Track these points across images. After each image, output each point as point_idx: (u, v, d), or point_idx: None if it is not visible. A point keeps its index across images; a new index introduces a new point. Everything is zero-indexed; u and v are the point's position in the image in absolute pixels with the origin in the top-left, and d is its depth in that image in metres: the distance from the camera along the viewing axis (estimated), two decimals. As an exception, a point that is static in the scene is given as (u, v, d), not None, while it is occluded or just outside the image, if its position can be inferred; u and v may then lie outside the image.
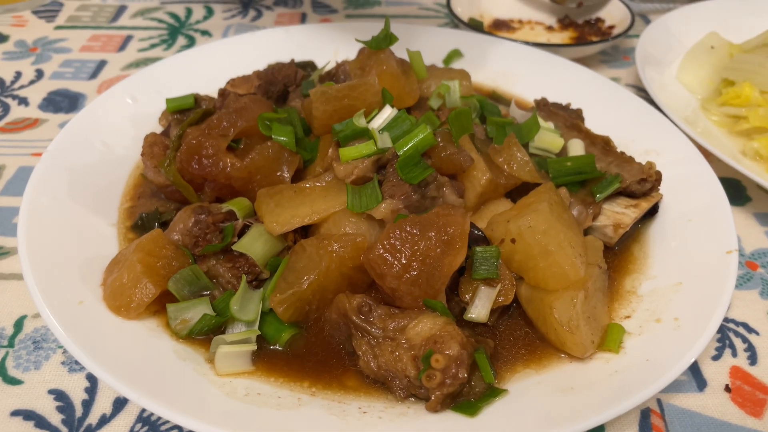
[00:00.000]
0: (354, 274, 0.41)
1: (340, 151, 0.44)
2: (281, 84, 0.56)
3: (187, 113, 0.53)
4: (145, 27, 0.75)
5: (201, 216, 0.44)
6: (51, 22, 0.76)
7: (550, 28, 0.76)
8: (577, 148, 0.50)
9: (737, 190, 0.55)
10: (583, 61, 0.71)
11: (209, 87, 0.59)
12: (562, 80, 0.62)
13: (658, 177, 0.47)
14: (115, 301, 0.40)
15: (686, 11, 0.75)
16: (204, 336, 0.40)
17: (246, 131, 0.46)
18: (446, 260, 0.38)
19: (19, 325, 0.42)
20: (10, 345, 0.40)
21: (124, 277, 0.40)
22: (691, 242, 0.45)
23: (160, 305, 0.41)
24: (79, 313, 0.38)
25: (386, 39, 0.50)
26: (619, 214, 0.46)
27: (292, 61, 0.59)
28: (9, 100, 0.62)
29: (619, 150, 0.51)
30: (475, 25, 0.72)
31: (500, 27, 0.76)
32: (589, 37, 0.73)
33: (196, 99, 0.54)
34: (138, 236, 0.46)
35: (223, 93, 0.53)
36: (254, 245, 0.42)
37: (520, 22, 0.77)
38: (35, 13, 0.77)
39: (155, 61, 0.68)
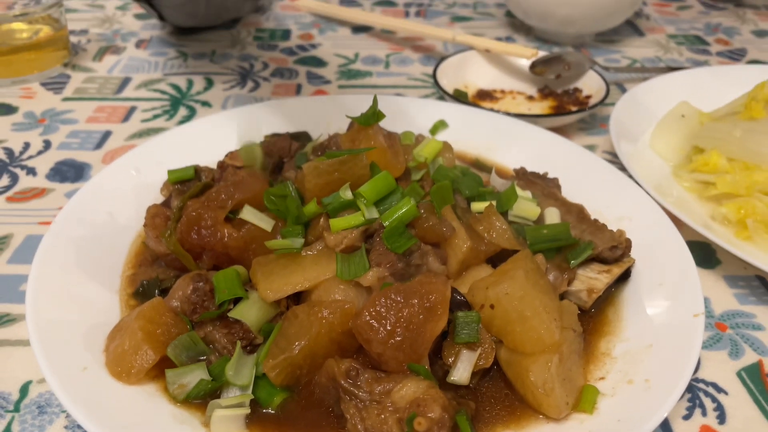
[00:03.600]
0: (343, 339, 0.43)
1: (331, 222, 0.47)
2: (276, 156, 0.59)
3: (188, 183, 0.57)
4: (149, 98, 0.79)
5: (199, 284, 0.46)
6: (59, 94, 0.79)
7: (530, 98, 0.80)
8: (553, 216, 0.53)
9: (707, 253, 0.58)
10: (562, 129, 0.75)
11: (209, 158, 0.62)
12: (540, 149, 0.65)
13: (628, 244, 0.50)
14: (117, 367, 0.42)
15: (659, 81, 0.80)
16: (200, 400, 0.42)
17: (242, 203, 0.49)
18: (428, 326, 0.41)
19: (24, 390, 0.44)
20: (16, 410, 0.42)
21: (126, 344, 0.42)
22: (662, 306, 0.47)
23: (159, 370, 0.43)
24: (83, 379, 0.40)
25: (374, 116, 0.54)
26: (592, 279, 0.48)
27: (287, 134, 0.63)
28: (18, 170, 0.65)
29: (593, 217, 0.54)
30: (459, 96, 0.76)
31: (484, 97, 0.81)
32: (567, 107, 0.77)
33: (196, 170, 0.57)
34: (139, 303, 0.48)
35: (221, 165, 0.57)
36: (249, 312, 0.45)
37: (503, 92, 0.82)
38: (43, 85, 0.81)
39: (158, 131, 0.72)
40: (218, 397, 0.42)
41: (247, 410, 0.41)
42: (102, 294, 0.48)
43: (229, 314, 0.44)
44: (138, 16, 1.02)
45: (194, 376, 0.42)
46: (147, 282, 0.50)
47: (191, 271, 0.48)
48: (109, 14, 1.03)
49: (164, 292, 0.48)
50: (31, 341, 0.41)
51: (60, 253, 0.49)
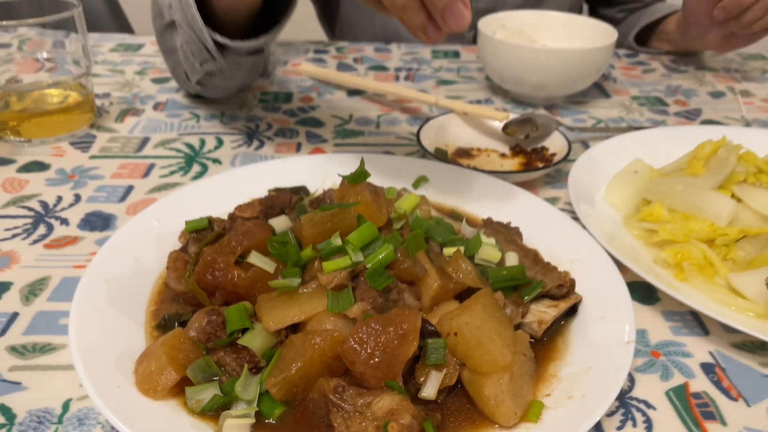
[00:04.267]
0: (332, 361, 0.51)
1: (323, 264, 0.56)
2: (279, 208, 0.69)
3: (202, 232, 0.66)
4: (166, 156, 0.89)
5: (213, 317, 0.55)
6: (86, 152, 0.89)
7: (503, 155, 0.90)
8: (512, 259, 0.62)
9: (649, 291, 0.67)
10: (530, 183, 0.84)
11: (220, 210, 0.71)
12: (507, 202, 0.75)
13: (572, 283, 0.59)
14: (145, 386, 0.50)
15: (618, 140, 0.90)
16: (214, 412, 0.50)
17: (250, 249, 0.59)
18: (402, 350, 0.49)
19: (66, 406, 0.52)
20: (59, 422, 0.50)
21: (153, 366, 0.51)
22: (602, 335, 0.56)
23: (179, 388, 0.51)
24: (118, 396, 0.49)
25: (361, 175, 0.64)
26: (542, 312, 0.57)
27: (288, 189, 0.73)
28: (53, 221, 0.74)
29: (549, 260, 0.63)
30: (440, 154, 0.87)
31: (462, 155, 0.91)
32: (535, 163, 0.87)
33: (210, 221, 0.66)
34: (161, 334, 0.57)
35: (232, 217, 0.66)
36: (254, 340, 0.53)
37: (479, 150, 0.92)
38: (72, 144, 0.91)
39: (175, 185, 0.82)
40: (229, 409, 0.50)
41: (252, 420, 0.49)
42: (130, 326, 0.57)
43: (238, 342, 0.53)
44: (155, 81, 1.14)
45: (209, 392, 0.50)
46: (168, 316, 0.59)
47: (206, 307, 0.57)
48: (128, 79, 1.14)
49: (182, 325, 0.57)
50: (75, 365, 0.50)
51: (95, 292, 0.58)
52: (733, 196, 0.73)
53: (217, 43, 0.79)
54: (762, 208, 0.71)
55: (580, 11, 1.56)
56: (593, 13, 1.61)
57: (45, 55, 0.92)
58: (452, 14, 0.54)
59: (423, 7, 0.55)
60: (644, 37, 1.41)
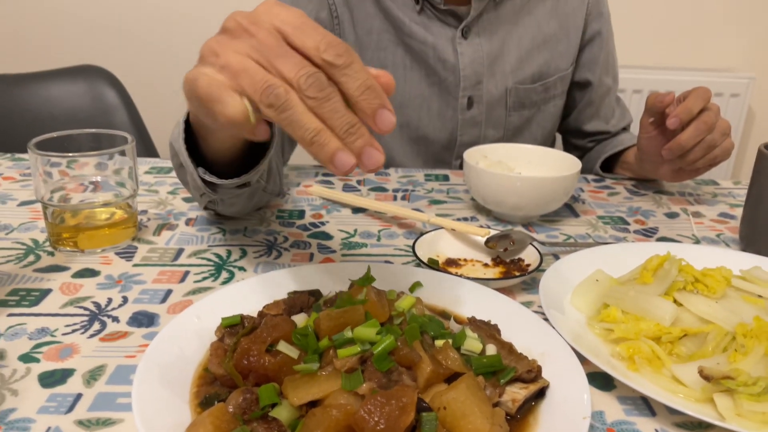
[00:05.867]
0: (346, 430, 0.64)
1: (338, 352, 0.70)
2: (299, 307, 0.83)
3: (235, 327, 0.80)
4: (198, 264, 1.03)
5: (247, 395, 0.68)
6: (129, 261, 1.03)
7: (486, 265, 1.06)
8: (491, 350, 0.75)
9: (607, 380, 0.79)
10: (509, 289, 0.99)
11: (248, 309, 0.85)
12: (488, 304, 0.89)
13: (539, 369, 0.72)
14: (194, 449, 0.62)
15: (584, 253, 1.06)
16: (248, 472, 0.61)
17: (278, 339, 0.72)
18: (402, 419, 0.61)
19: (124, 470, 0.63)
20: (119, 482, 0.62)
21: (200, 433, 0.63)
22: (564, 413, 0.68)
23: (219, 454, 0.63)
24: (170, 457, 0.61)
25: (367, 279, 0.79)
26: (515, 393, 0.70)
27: (306, 291, 0.88)
28: (105, 319, 0.87)
29: (520, 350, 0.77)
30: (432, 264, 1.02)
31: (451, 264, 1.06)
32: (513, 272, 1.02)
33: (242, 317, 0.80)
34: (203, 410, 0.69)
35: (261, 314, 0.80)
36: (282, 413, 0.65)
37: (465, 260, 1.07)
38: (117, 254, 1.06)
39: (207, 289, 0.96)
40: (262, 468, 0.62)
41: (281, 477, 0.61)
42: (178, 403, 0.70)
43: (269, 414, 0.66)
44: (185, 200, 1.31)
45: (245, 455, 0.62)
46: (209, 395, 0.71)
47: (241, 387, 0.70)
48: (162, 198, 1.32)
49: (222, 402, 0.69)
50: None
51: (149, 376, 0.71)
52: (675, 301, 0.88)
53: (207, 181, 0.92)
54: (698, 311, 0.85)
55: (553, 142, 1.79)
56: (566, 142, 1.83)
57: (94, 178, 1.09)
58: (367, 156, 0.58)
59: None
60: (610, 164, 1.61)
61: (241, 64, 0.55)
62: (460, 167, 1.58)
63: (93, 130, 1.10)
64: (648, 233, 1.24)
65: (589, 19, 1.62)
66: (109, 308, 0.90)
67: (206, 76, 0.57)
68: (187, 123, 0.91)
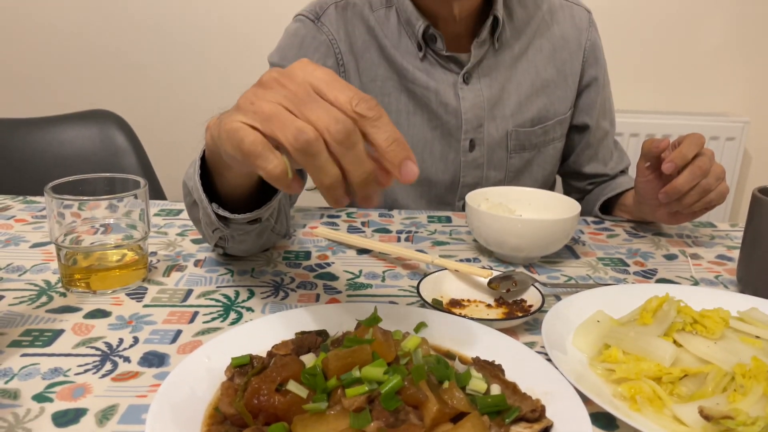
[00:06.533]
0: (354, 470, 0.65)
1: (346, 391, 0.71)
2: (307, 347, 0.85)
3: (245, 367, 0.81)
4: (207, 305, 1.05)
5: (257, 434, 0.70)
6: (140, 302, 1.06)
7: (489, 306, 1.08)
8: (495, 390, 0.77)
9: (609, 420, 0.80)
10: (512, 329, 1.01)
11: (257, 349, 0.87)
12: (491, 344, 0.91)
13: (542, 409, 0.74)
14: (206, 487, 0.64)
15: (585, 294, 1.08)
16: None
17: (287, 379, 0.74)
18: (409, 457, 0.63)
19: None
20: None
21: (211, 471, 0.64)
22: (570, 452, 0.70)
23: (230, 491, 0.64)
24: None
25: (374, 320, 0.81)
26: (519, 432, 0.72)
27: (313, 331, 0.90)
28: (117, 359, 0.89)
29: (524, 390, 0.79)
30: (436, 304, 1.04)
31: (455, 305, 1.08)
32: (515, 313, 1.04)
33: (251, 357, 0.82)
34: (213, 449, 0.70)
35: (270, 354, 0.82)
36: (291, 452, 0.67)
37: (469, 300, 1.10)
38: (128, 295, 1.08)
39: (216, 329, 0.98)
40: (272, 506, 0.63)
41: None
42: (189, 442, 0.71)
43: (279, 453, 0.67)
44: (194, 241, 1.34)
45: (256, 493, 0.63)
46: (219, 434, 0.72)
47: (251, 426, 0.71)
48: (171, 239, 1.35)
49: (232, 441, 0.71)
50: (151, 468, 0.63)
51: (161, 416, 0.73)
52: (674, 341, 0.90)
53: (221, 216, 0.97)
54: (698, 352, 0.87)
55: (553, 185, 1.83)
56: (566, 184, 1.87)
57: (105, 221, 1.12)
58: (373, 200, 0.66)
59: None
60: (609, 207, 1.65)
61: (273, 110, 0.59)
62: (463, 208, 1.61)
63: (107, 175, 1.14)
64: (647, 275, 1.26)
65: (586, 65, 1.68)
66: (120, 348, 0.92)
67: (251, 135, 0.61)
68: (202, 160, 0.96)
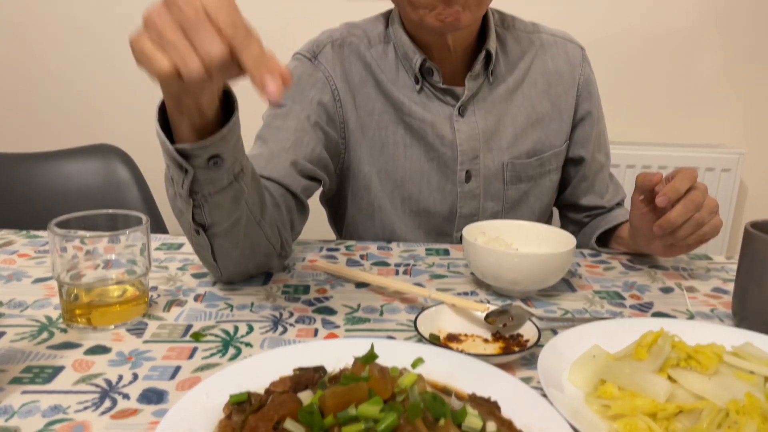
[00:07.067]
0: None
1: (342, 429, 0.72)
2: (304, 384, 0.86)
3: (243, 405, 0.82)
4: (206, 340, 1.07)
5: (254, 472, 0.70)
6: (140, 338, 1.07)
7: (486, 340, 1.09)
8: (491, 427, 0.77)
9: (608, 456, 0.81)
10: (508, 364, 1.01)
11: (256, 385, 0.87)
12: (489, 380, 0.92)
13: (537, 446, 0.75)
14: None
15: (581, 328, 1.09)
16: None
17: (285, 416, 0.75)
18: (405, 495, 0.64)
19: None
20: None
21: None
22: (565, 490, 0.71)
23: None
24: None
25: (371, 357, 0.82)
26: (515, 469, 0.72)
27: (311, 368, 0.91)
28: (116, 396, 0.90)
29: (520, 427, 0.79)
30: (433, 339, 1.05)
31: (452, 339, 1.09)
32: (512, 348, 1.05)
33: (249, 394, 0.83)
34: (211, 487, 0.71)
35: (268, 391, 0.83)
36: (288, 490, 0.68)
37: (466, 335, 1.10)
38: (128, 330, 1.09)
39: (215, 365, 0.98)
40: None
41: None
42: (187, 481, 0.72)
43: (276, 492, 0.68)
44: (194, 276, 1.35)
45: None
46: (217, 472, 0.73)
47: (248, 464, 0.72)
48: (172, 274, 1.36)
49: (229, 480, 0.71)
50: (148, 508, 0.64)
51: (159, 452, 0.73)
52: (669, 377, 0.90)
53: (183, 155, 0.97)
54: (692, 388, 0.88)
55: (550, 217, 1.84)
56: (563, 216, 1.89)
57: (106, 257, 1.14)
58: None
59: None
60: (605, 239, 1.66)
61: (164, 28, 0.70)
62: (461, 240, 1.63)
63: (109, 211, 1.16)
64: (643, 308, 1.27)
65: (580, 100, 1.71)
66: (119, 385, 0.93)
67: (143, 41, 0.72)
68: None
